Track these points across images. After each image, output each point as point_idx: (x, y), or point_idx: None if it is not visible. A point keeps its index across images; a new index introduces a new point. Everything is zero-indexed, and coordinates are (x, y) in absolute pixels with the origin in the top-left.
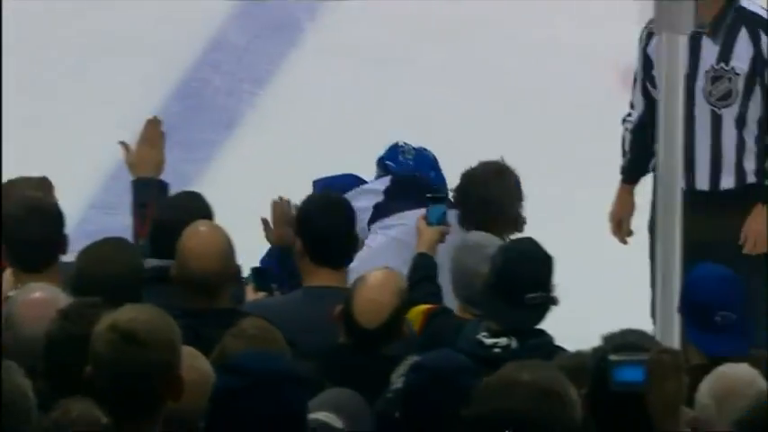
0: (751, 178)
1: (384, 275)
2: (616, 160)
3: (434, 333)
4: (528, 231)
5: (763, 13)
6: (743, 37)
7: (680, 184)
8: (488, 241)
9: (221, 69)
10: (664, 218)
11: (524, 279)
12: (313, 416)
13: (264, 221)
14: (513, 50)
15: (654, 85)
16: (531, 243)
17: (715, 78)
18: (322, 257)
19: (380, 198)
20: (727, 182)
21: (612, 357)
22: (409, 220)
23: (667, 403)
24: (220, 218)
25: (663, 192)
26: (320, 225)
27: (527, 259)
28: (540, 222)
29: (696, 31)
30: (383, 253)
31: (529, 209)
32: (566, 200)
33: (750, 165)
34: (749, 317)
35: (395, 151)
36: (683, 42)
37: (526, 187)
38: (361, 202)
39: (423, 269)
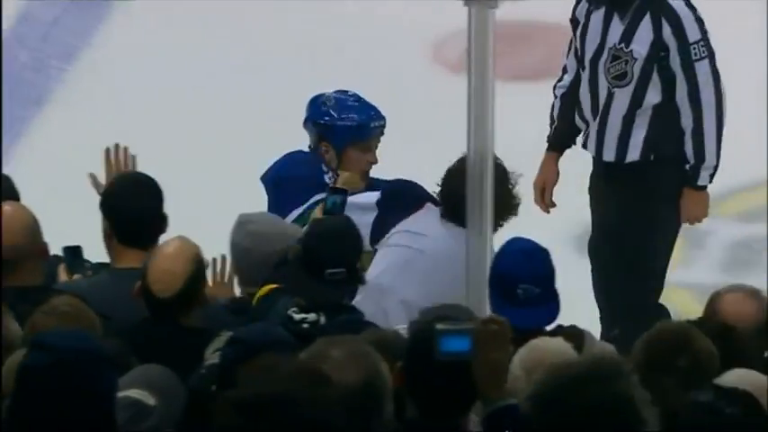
0: (633, 156)
1: (177, 244)
2: (422, 133)
3: (259, 309)
4: None
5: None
6: (646, 21)
7: (491, 158)
8: (256, 217)
9: (28, 45)
10: (472, 191)
11: (326, 254)
12: (125, 393)
13: (92, 176)
14: (325, 22)
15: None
16: (340, 221)
17: (614, 57)
18: (129, 239)
19: (375, 212)
20: (609, 155)
21: (439, 326)
22: (410, 226)
23: (493, 372)
24: (30, 195)
25: (472, 167)
26: (127, 206)
27: (331, 236)
28: None
29: (606, 6)
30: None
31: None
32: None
33: (637, 144)
34: (555, 290)
35: (318, 107)
36: (492, 16)
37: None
38: (356, 218)
39: None
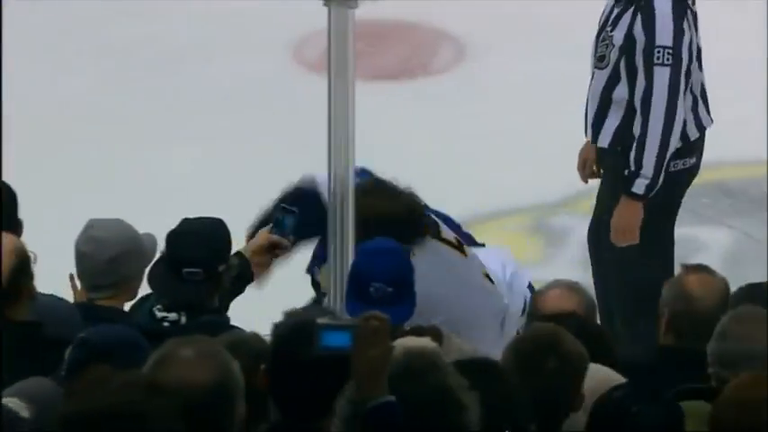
0: (603, 143)
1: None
2: (282, 133)
3: (132, 309)
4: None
5: None
6: (628, 12)
7: (352, 156)
8: (101, 223)
9: None
10: (334, 192)
11: (182, 253)
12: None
13: None
14: (183, 20)
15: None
16: (205, 221)
17: (603, 38)
18: None
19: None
20: (588, 133)
21: (320, 321)
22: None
23: (372, 369)
24: None
25: (334, 171)
26: None
27: (189, 235)
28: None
29: None
30: None
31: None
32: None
33: (608, 132)
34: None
35: None
36: (351, 16)
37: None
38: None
39: None
